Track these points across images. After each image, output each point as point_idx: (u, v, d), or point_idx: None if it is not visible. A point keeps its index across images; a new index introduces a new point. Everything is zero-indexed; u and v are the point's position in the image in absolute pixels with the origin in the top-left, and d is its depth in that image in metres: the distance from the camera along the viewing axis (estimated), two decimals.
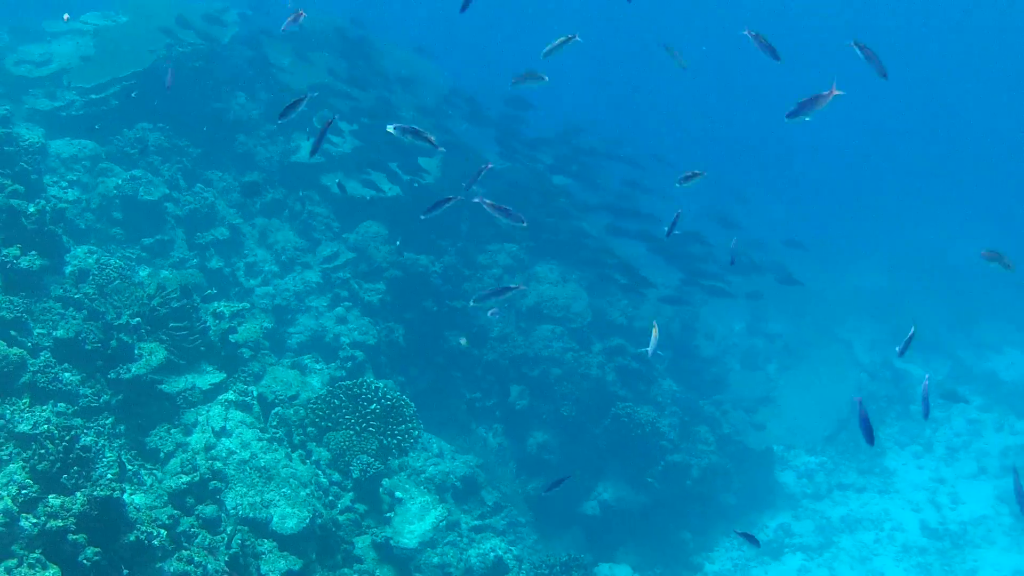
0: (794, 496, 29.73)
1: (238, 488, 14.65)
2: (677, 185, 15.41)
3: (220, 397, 16.55)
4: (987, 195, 59.84)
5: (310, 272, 23.38)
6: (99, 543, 11.79)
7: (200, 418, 15.91)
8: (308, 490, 15.19)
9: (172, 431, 15.55)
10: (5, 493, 12.44)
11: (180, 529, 13.28)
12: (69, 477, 12.77)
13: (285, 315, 22.22)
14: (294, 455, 15.99)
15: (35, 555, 11.32)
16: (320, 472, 15.89)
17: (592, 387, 25.16)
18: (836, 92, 12.32)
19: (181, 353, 16.59)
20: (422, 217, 14.16)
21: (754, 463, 28.67)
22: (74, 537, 11.65)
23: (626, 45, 78.91)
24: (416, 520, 16.64)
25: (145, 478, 14.54)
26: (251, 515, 14.24)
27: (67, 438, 12.89)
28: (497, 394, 24.73)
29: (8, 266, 16.10)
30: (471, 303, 15.30)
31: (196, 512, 13.73)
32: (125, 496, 12.54)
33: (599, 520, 24.46)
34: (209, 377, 16.69)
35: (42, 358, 15.10)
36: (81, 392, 15.26)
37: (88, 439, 13.45)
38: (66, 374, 15.18)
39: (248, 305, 19.93)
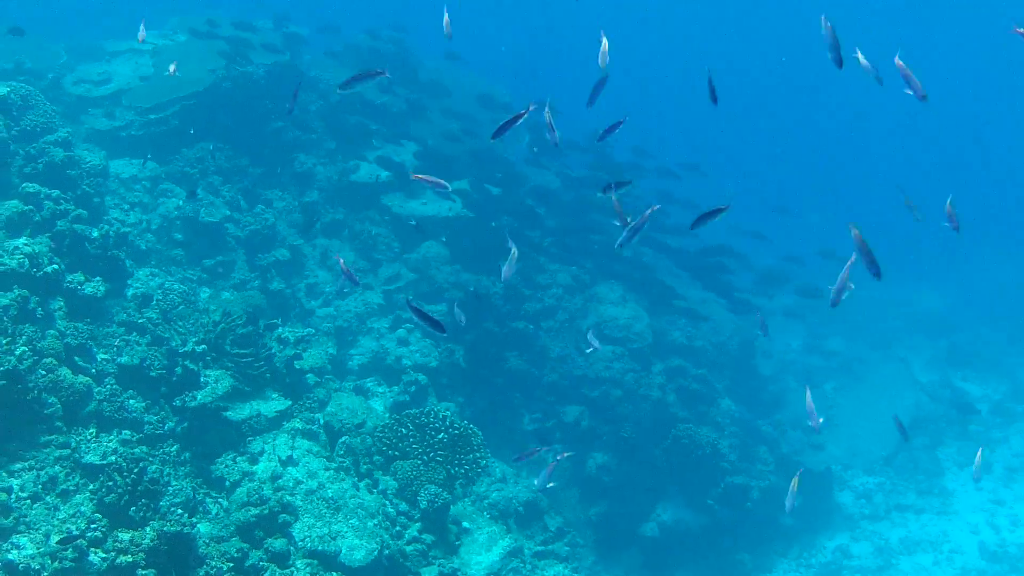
0: (852, 517, 29.28)
1: (306, 519, 14.45)
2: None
3: (286, 425, 16.36)
4: None
5: (371, 293, 23.20)
6: None
7: (266, 447, 15.73)
8: (375, 521, 14.98)
9: (238, 459, 15.39)
10: (74, 527, 12.30)
11: (249, 563, 13.05)
12: (137, 510, 12.62)
13: (346, 336, 22.05)
14: (361, 485, 15.77)
15: None
16: (387, 502, 15.64)
17: (652, 408, 24.85)
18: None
19: (246, 380, 16.41)
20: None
21: (812, 484, 28.22)
22: (144, 572, 11.48)
23: (656, 47, 78.73)
24: (483, 551, 16.40)
25: (211, 506, 14.37)
26: (319, 548, 14.01)
27: (135, 470, 12.75)
28: (556, 415, 24.44)
29: (73, 292, 15.99)
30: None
31: (265, 545, 13.51)
32: (188, 525, 12.35)
33: (658, 542, 24.13)
34: (274, 404, 16.50)
35: (108, 387, 14.98)
36: (146, 419, 15.13)
37: (155, 469, 13.31)
38: (131, 401, 15.04)
39: (312, 330, 19.79)
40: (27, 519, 12.75)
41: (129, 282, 18.23)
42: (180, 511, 13.43)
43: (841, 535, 28.35)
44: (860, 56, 13.55)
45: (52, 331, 15.05)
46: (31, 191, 17.34)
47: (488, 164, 27.57)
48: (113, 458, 13.50)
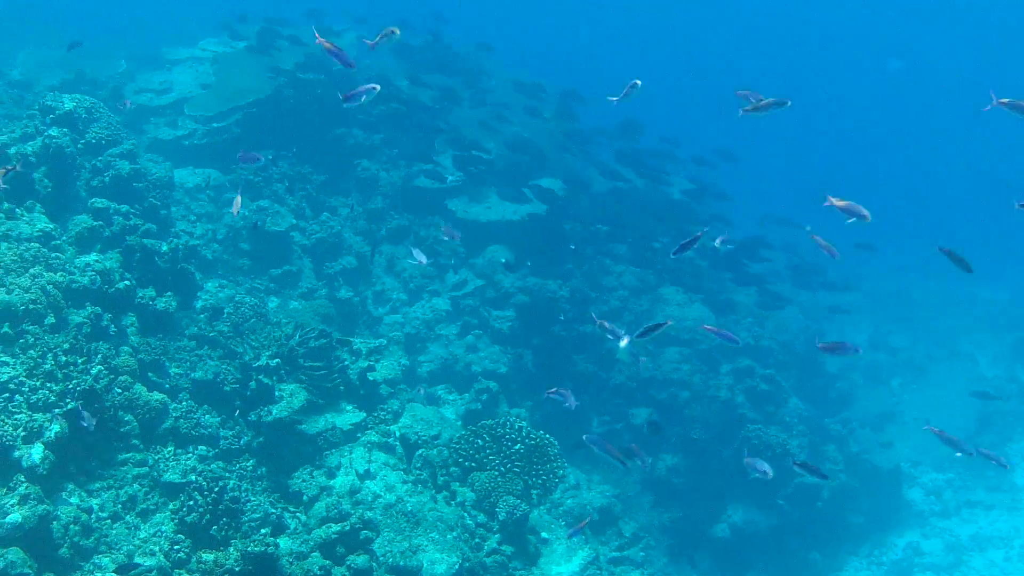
0: (922, 514, 28.92)
1: (386, 534, 14.30)
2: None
3: (362, 438, 16.25)
4: None
5: (439, 299, 23.09)
6: None
7: (343, 460, 15.61)
8: (455, 533, 14.83)
9: (315, 474, 15.28)
10: (156, 548, 12.22)
11: None
12: (219, 529, 12.53)
13: (415, 344, 21.93)
14: (439, 497, 15.63)
15: None
16: (466, 514, 15.48)
17: (721, 409, 24.61)
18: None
19: (320, 393, 16.31)
20: None
21: (881, 481, 27.94)
22: None
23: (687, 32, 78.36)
24: (563, 561, 16.19)
25: (289, 522, 14.26)
26: (401, 563, 13.85)
27: (216, 489, 12.66)
28: (625, 417, 24.25)
29: (145, 308, 15.92)
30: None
31: (347, 563, 13.37)
32: (272, 545, 12.21)
33: (729, 543, 23.92)
34: (349, 417, 16.39)
35: (184, 404, 14.91)
36: (221, 435, 15.06)
37: (234, 485, 13.21)
38: (206, 417, 14.94)
39: (384, 341, 19.65)
40: (108, 539, 12.68)
41: (198, 294, 18.20)
42: (263, 529, 13.33)
43: (911, 532, 28.03)
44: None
45: (126, 348, 14.97)
46: (100, 206, 17.30)
47: (552, 167, 27.46)
48: (193, 476, 13.42)
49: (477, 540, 15.29)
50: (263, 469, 15.16)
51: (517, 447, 16.31)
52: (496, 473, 16.04)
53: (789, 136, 67.13)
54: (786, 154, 64.32)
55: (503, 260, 22.94)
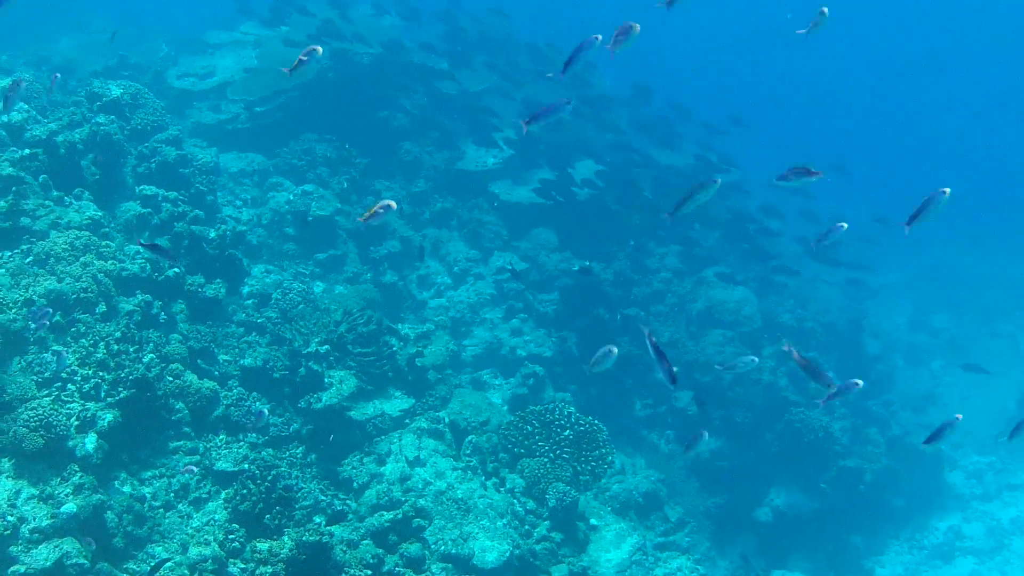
0: (963, 497, 28.73)
1: (438, 521, 14.31)
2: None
3: (411, 424, 16.25)
4: None
5: (483, 283, 23.04)
6: None
7: (393, 447, 15.61)
8: (505, 520, 14.82)
9: (365, 460, 15.30)
10: (211, 537, 12.24)
11: (385, 569, 12.95)
12: (272, 517, 12.56)
13: (459, 328, 21.91)
14: (488, 484, 15.62)
15: None
16: (515, 501, 15.46)
17: (764, 392, 24.51)
18: None
19: (369, 379, 16.32)
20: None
21: (923, 464, 27.80)
22: None
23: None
24: (612, 548, 16.18)
25: (339, 507, 14.26)
26: (453, 551, 13.86)
27: (269, 478, 12.69)
28: (668, 401, 24.17)
29: (194, 295, 15.95)
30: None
31: (400, 551, 13.40)
32: (326, 534, 12.23)
33: (771, 526, 23.84)
34: (398, 403, 16.39)
35: (235, 391, 14.95)
36: (271, 421, 15.05)
37: (286, 472, 13.25)
38: (257, 404, 14.96)
39: (432, 326, 19.66)
40: (161, 528, 12.74)
41: (245, 280, 18.21)
42: (316, 517, 13.36)
43: (952, 516, 27.87)
44: None
45: (175, 335, 15.04)
46: (149, 193, 17.36)
47: (594, 145, 27.37)
48: (246, 465, 13.46)
49: (527, 527, 15.27)
50: (313, 456, 15.19)
51: (566, 433, 16.27)
52: (546, 460, 16.00)
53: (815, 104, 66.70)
54: (801, 121, 63.73)
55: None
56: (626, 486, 20.11)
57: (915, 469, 27.05)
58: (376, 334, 16.68)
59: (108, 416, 12.78)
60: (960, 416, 12.83)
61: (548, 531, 15.37)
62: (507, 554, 14.14)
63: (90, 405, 12.87)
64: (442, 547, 13.86)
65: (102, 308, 14.09)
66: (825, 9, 13.00)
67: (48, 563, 10.94)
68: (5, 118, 17.20)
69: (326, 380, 15.72)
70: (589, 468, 16.15)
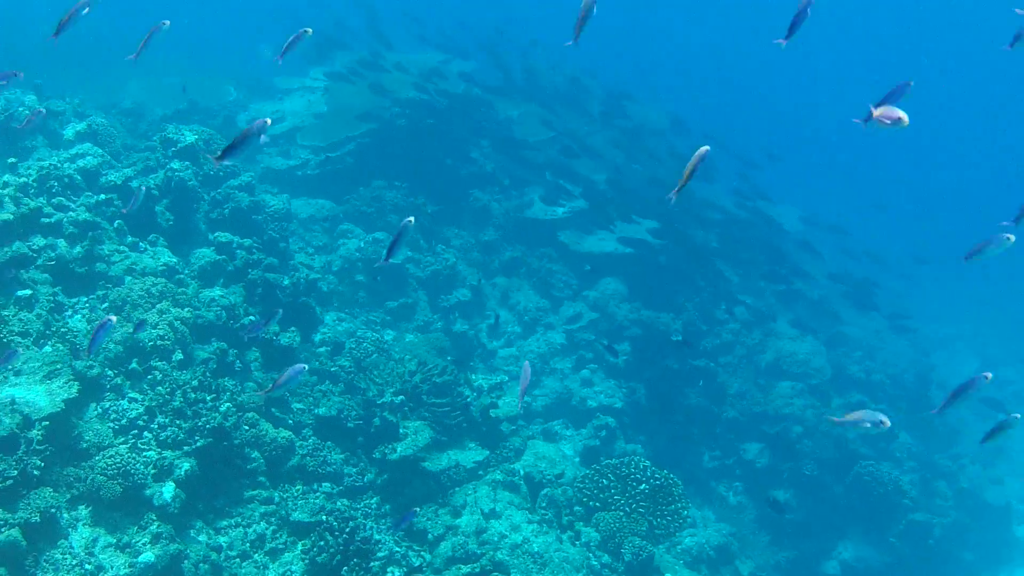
0: None
1: (514, 575, 14.12)
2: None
3: (486, 476, 16.09)
4: None
5: (553, 333, 22.90)
6: None
7: (468, 499, 15.44)
8: (581, 574, 14.62)
9: (440, 512, 15.12)
10: None
11: None
12: (349, 570, 12.46)
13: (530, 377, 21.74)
14: (564, 537, 15.41)
15: None
16: (591, 554, 15.24)
17: (833, 445, 24.25)
18: None
19: (443, 430, 16.18)
20: None
21: (992, 518, 27.45)
22: None
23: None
24: None
25: (414, 560, 14.10)
26: None
27: (347, 530, 12.56)
28: (736, 452, 23.96)
29: (269, 343, 15.89)
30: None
31: None
32: None
33: None
34: (472, 454, 16.24)
35: (310, 441, 14.86)
36: (345, 471, 14.97)
37: (363, 524, 13.11)
38: (332, 454, 14.85)
39: (505, 377, 19.51)
40: None
41: (318, 327, 18.17)
42: (391, 569, 13.21)
43: (1022, 570, 27.50)
44: None
45: (250, 383, 14.97)
46: (224, 240, 17.34)
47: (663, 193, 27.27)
48: (323, 516, 13.32)
49: None
50: (387, 507, 15.05)
51: (642, 487, 16.07)
52: (621, 513, 15.80)
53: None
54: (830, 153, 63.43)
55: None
56: (698, 540, 19.90)
57: (984, 523, 26.75)
58: (451, 385, 16.56)
59: (185, 465, 12.71)
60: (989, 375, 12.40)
61: None
62: None
63: (167, 453, 12.80)
64: None
65: (179, 356, 14.04)
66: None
67: None
68: (81, 163, 17.24)
69: (401, 431, 15.60)
70: (664, 522, 15.93)
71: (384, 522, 14.74)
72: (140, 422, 13.05)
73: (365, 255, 21.37)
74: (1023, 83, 71.88)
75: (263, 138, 9.80)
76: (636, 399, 22.25)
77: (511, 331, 22.70)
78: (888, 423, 11.52)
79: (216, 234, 17.58)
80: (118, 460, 12.14)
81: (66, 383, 12.72)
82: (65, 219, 15.51)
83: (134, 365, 13.64)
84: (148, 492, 12.21)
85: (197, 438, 13.03)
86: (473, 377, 18.44)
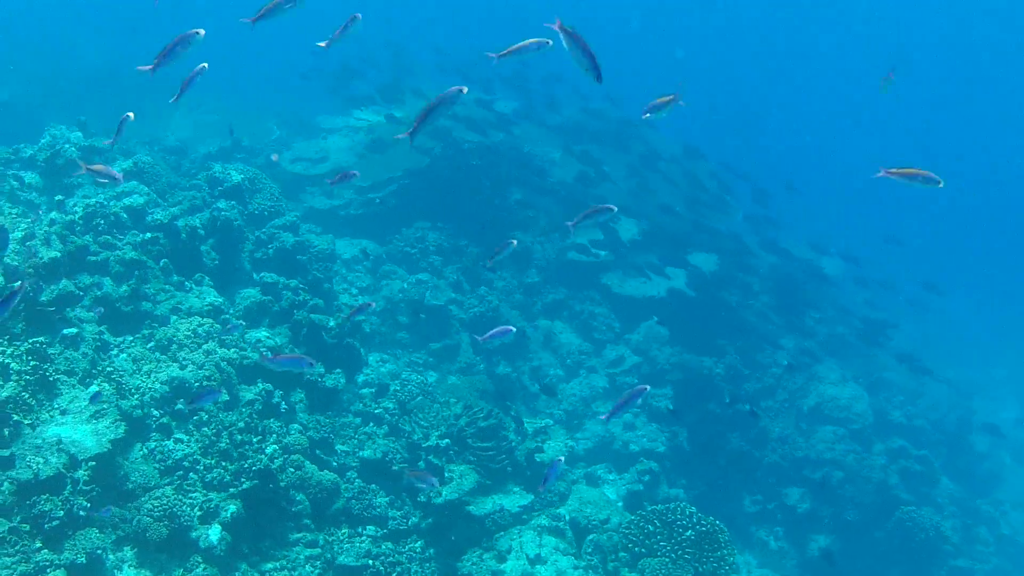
0: None
1: None
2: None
3: (531, 521, 15.97)
4: None
5: (596, 376, 22.79)
6: None
7: (513, 543, 15.32)
8: None
9: (485, 557, 15.03)
10: None
11: None
12: None
13: (571, 421, 21.64)
14: None
15: None
16: None
17: (874, 490, 24.07)
18: None
19: (487, 473, 16.09)
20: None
21: None
22: None
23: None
24: None
25: None
26: None
27: (393, 574, 12.43)
28: (778, 497, 23.79)
29: (314, 385, 15.83)
30: None
31: None
32: None
33: None
34: (516, 499, 16.12)
35: (356, 484, 14.75)
36: (390, 515, 14.85)
37: (407, 567, 13.01)
38: (377, 497, 14.77)
39: (550, 421, 19.40)
40: None
41: (361, 369, 18.12)
42: None
43: None
44: None
45: (295, 425, 14.88)
46: (270, 281, 17.33)
47: (705, 235, 27.27)
48: (370, 561, 13.23)
49: None
50: (432, 551, 14.95)
51: (688, 533, 15.91)
52: (667, 559, 15.64)
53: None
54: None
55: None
56: None
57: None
58: (495, 428, 16.46)
59: (231, 507, 12.62)
60: None
61: None
62: None
63: (213, 495, 12.72)
64: None
65: (225, 397, 13.97)
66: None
67: None
68: (128, 201, 17.25)
69: (446, 474, 15.50)
70: (710, 569, 15.77)
71: (429, 566, 14.63)
72: (186, 463, 12.98)
73: (408, 296, 21.32)
74: None
75: None
76: (678, 443, 22.14)
77: (554, 374, 22.59)
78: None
79: (262, 274, 17.59)
80: (164, 502, 12.08)
81: (113, 423, 12.67)
82: (112, 257, 15.50)
83: (180, 406, 13.57)
84: (194, 534, 12.13)
85: (243, 480, 12.95)
86: (520, 420, 18.34)
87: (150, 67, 10.67)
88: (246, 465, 13.06)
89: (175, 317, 15.23)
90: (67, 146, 18.73)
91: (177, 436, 13.32)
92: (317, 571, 13.23)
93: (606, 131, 31.66)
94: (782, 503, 23.44)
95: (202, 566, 11.87)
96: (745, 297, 26.25)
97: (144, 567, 11.72)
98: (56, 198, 16.90)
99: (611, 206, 12.35)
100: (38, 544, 11.03)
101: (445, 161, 25.88)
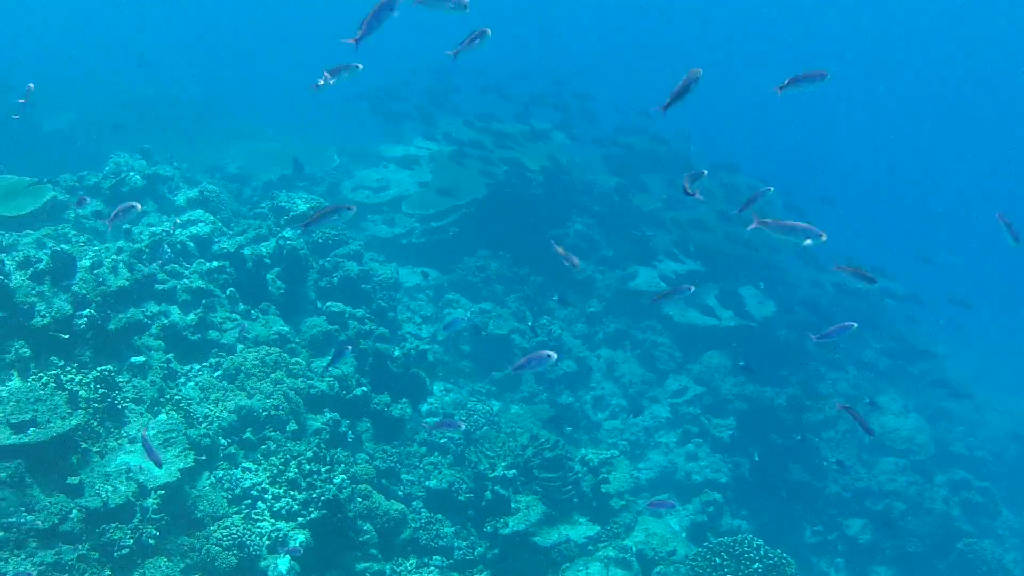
0: None
1: None
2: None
3: (597, 552, 15.88)
4: None
5: (658, 406, 22.67)
6: None
7: (579, 575, 15.22)
8: None
9: None
10: None
11: None
12: None
13: (634, 451, 21.53)
14: None
15: None
16: None
17: (936, 522, 23.86)
18: None
19: (553, 504, 16.01)
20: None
21: None
22: None
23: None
24: None
25: None
26: None
27: None
28: (839, 528, 23.59)
29: (380, 414, 15.81)
30: None
31: None
32: None
33: None
34: (582, 530, 16.05)
35: (423, 514, 14.70)
36: (455, 544, 14.78)
37: None
38: (444, 527, 14.71)
39: (616, 452, 19.29)
40: None
41: (426, 398, 18.08)
42: None
43: None
44: None
45: (362, 455, 14.88)
46: (336, 310, 17.31)
47: (763, 269, 27.17)
48: None
49: None
50: None
51: (755, 566, 15.75)
52: None
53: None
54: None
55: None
56: None
57: None
58: (561, 459, 16.38)
59: (300, 537, 12.59)
60: None
61: None
62: None
63: (281, 524, 12.69)
64: None
65: (293, 426, 13.96)
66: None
67: None
68: (194, 230, 17.32)
69: (513, 505, 15.43)
70: None
71: None
72: (254, 492, 12.96)
73: (471, 325, 21.30)
74: None
75: None
76: (740, 473, 22.01)
77: (615, 404, 22.49)
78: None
79: (328, 303, 17.58)
80: (233, 531, 12.07)
81: (182, 452, 12.69)
82: (179, 286, 15.55)
83: (248, 435, 13.57)
84: (263, 564, 12.11)
85: (311, 510, 12.93)
86: (584, 451, 18.25)
87: (353, 39, 10.51)
88: (315, 495, 13.04)
89: (242, 346, 15.25)
90: (131, 174, 18.85)
91: (245, 465, 13.31)
92: None
93: (651, 151, 31.58)
94: (843, 534, 23.28)
95: None
96: (805, 326, 26.13)
97: None
98: (124, 226, 16.97)
99: (689, 286, 12.30)
100: (107, 572, 11.05)
101: (508, 189, 25.86)
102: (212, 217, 18.16)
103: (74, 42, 39.09)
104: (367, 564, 13.54)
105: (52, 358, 13.09)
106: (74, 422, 12.14)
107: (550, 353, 11.36)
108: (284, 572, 12.13)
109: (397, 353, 16.95)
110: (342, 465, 13.81)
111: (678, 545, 16.68)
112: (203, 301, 15.42)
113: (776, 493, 22.83)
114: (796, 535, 22.80)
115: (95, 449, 12.36)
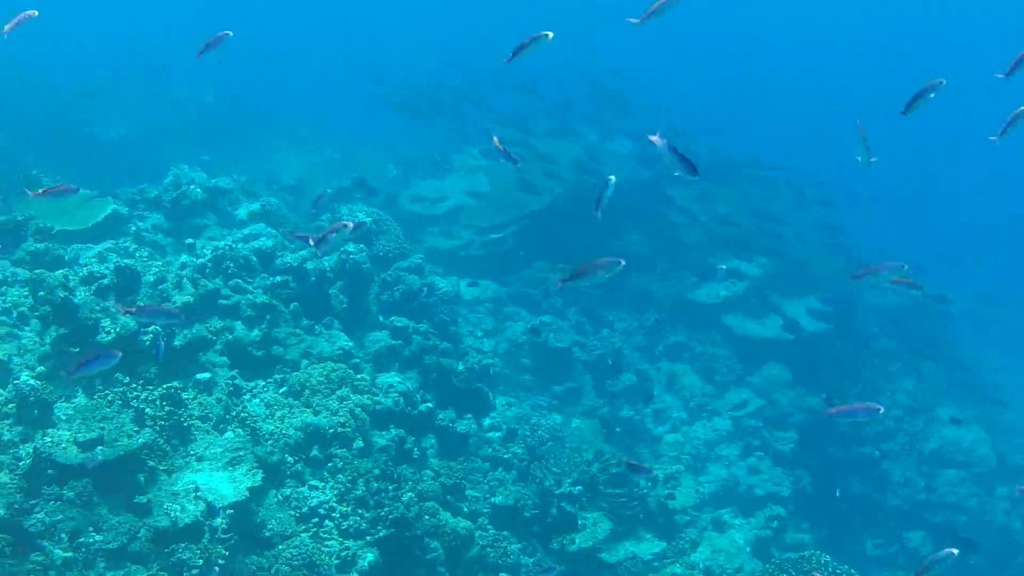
0: None
1: None
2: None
3: (665, 569, 15.79)
4: None
5: (719, 419, 22.53)
6: None
7: None
8: None
9: None
10: None
11: None
12: None
13: (695, 464, 21.40)
14: None
15: None
16: None
17: (997, 534, 23.66)
18: None
19: (619, 520, 15.92)
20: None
21: None
22: None
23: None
24: None
25: None
26: None
27: None
28: (900, 540, 23.43)
29: (445, 430, 15.75)
30: None
31: None
32: None
33: None
34: (648, 546, 15.96)
35: (490, 532, 14.61)
36: (522, 562, 14.67)
37: None
38: (512, 545, 14.62)
39: (681, 467, 19.19)
40: None
41: (489, 413, 18.00)
42: None
43: None
44: None
45: (428, 471, 14.81)
46: (400, 325, 17.29)
47: (823, 281, 27.01)
48: None
49: None
50: None
51: None
52: None
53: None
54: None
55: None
56: None
57: None
58: (627, 475, 16.29)
59: (369, 556, 12.56)
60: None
61: None
62: None
63: (349, 543, 12.66)
64: None
65: (359, 443, 13.91)
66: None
67: None
68: (256, 244, 17.32)
69: (580, 522, 15.36)
70: None
71: None
72: (322, 510, 12.92)
73: (532, 339, 21.21)
74: None
75: None
76: (801, 487, 21.87)
77: (676, 416, 22.36)
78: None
79: (392, 318, 17.55)
80: (303, 550, 12.04)
81: (249, 471, 12.67)
82: (243, 301, 15.55)
83: (315, 452, 13.54)
84: None
85: (379, 528, 12.88)
86: (653, 466, 18.17)
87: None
88: (383, 513, 12.98)
89: (306, 362, 15.23)
90: (192, 187, 18.87)
91: (312, 483, 13.27)
92: None
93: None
94: (904, 547, 23.13)
95: None
96: (865, 337, 25.94)
97: None
98: (186, 241, 17.00)
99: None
100: None
101: (564, 201, 25.74)
102: (274, 231, 18.15)
103: (104, 46, 39.08)
104: None
105: (117, 375, 13.10)
106: (141, 440, 12.16)
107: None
108: None
109: (461, 368, 16.88)
110: (409, 483, 13.76)
111: (744, 560, 16.57)
112: (267, 316, 15.43)
113: (837, 507, 22.71)
114: (857, 548, 22.68)
115: (162, 467, 12.35)
